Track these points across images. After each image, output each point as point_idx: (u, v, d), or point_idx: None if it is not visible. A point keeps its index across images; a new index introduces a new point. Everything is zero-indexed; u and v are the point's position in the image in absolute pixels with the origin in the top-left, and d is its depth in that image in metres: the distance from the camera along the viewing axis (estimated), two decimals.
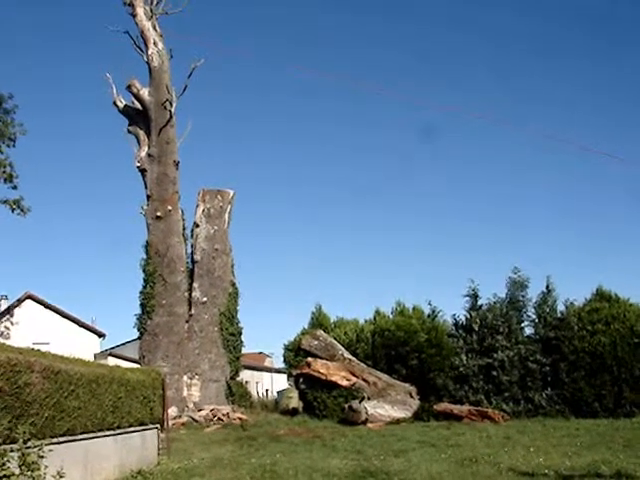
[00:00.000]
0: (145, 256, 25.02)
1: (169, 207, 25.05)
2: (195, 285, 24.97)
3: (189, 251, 25.74)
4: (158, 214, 24.86)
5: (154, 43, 25.51)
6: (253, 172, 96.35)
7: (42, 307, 45.28)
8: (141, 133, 25.91)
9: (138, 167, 25.56)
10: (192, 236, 25.78)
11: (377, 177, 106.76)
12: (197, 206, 25.92)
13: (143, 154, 25.50)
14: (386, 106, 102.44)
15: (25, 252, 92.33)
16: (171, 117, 25.39)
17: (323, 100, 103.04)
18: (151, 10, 26.08)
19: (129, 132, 26.31)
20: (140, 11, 25.71)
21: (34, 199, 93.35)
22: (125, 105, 26.32)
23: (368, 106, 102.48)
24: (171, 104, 25.39)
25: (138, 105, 25.81)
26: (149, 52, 25.43)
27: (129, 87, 25.47)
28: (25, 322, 41.65)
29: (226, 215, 25.91)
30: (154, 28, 25.82)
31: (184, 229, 25.77)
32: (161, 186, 25.19)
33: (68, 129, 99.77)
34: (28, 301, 44.98)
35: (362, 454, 14.89)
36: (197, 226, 25.61)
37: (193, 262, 25.44)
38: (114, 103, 26.45)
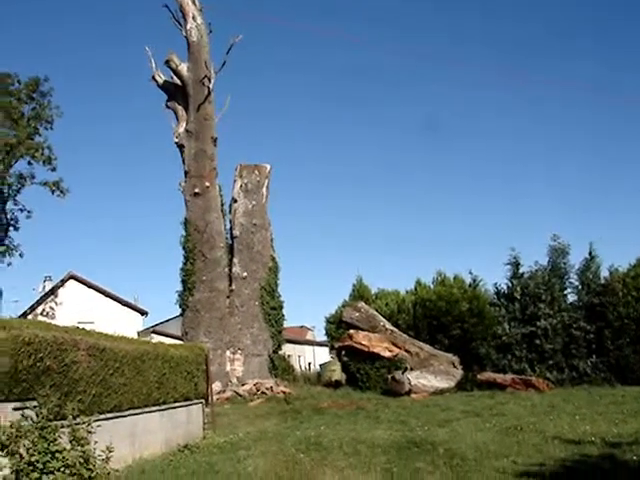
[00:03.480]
0: (184, 233, 25.15)
1: (207, 183, 25.10)
2: (235, 260, 25.07)
3: (228, 227, 25.81)
4: (196, 190, 24.93)
5: (193, 17, 25.34)
6: (291, 148, 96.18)
7: (85, 287, 45.87)
8: (179, 109, 25.93)
9: (176, 143, 25.61)
10: (230, 212, 25.85)
11: (414, 150, 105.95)
12: (234, 181, 25.95)
13: (181, 130, 25.53)
14: (419, 83, 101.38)
15: (67, 233, 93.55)
16: (209, 93, 25.33)
17: (362, 80, 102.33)
18: None
19: (167, 107, 26.32)
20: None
21: (73, 180, 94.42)
22: (164, 80, 26.27)
23: (402, 84, 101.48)
24: (209, 80, 25.29)
25: (177, 80, 25.77)
26: (188, 26, 25.28)
27: (167, 62, 25.43)
28: (69, 302, 42.25)
29: (264, 190, 25.91)
30: (193, 2, 25.59)
31: (222, 205, 25.82)
32: (199, 162, 25.23)
33: (105, 110, 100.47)
34: (71, 281, 45.59)
35: (406, 425, 14.89)
36: (235, 201, 25.65)
37: (232, 237, 25.53)
38: (153, 78, 26.46)
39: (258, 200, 25.71)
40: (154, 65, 26.43)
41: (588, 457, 10.63)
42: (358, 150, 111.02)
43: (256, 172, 25.99)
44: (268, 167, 26.37)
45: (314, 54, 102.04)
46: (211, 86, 25.33)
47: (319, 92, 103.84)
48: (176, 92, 26.00)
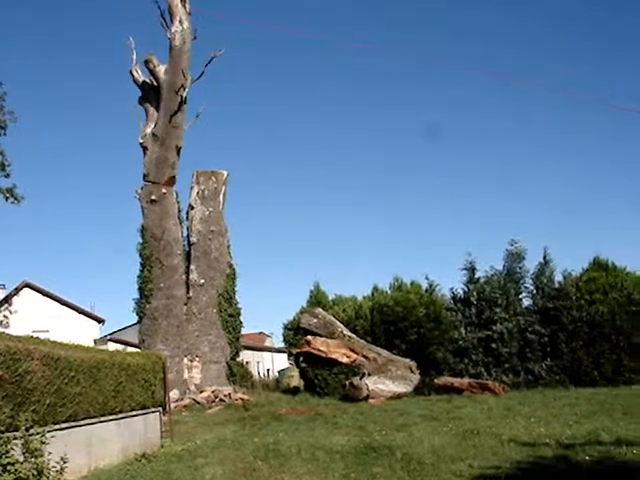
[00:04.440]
0: (141, 240, 24.93)
1: (163, 190, 24.93)
2: (192, 267, 24.93)
3: (185, 233, 25.66)
4: (153, 197, 24.75)
5: (180, 21, 25.01)
6: (248, 153, 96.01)
7: (40, 295, 45.32)
8: (151, 109, 25.65)
9: (141, 144, 25.33)
10: (187, 218, 25.69)
11: (374, 155, 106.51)
12: (191, 188, 25.81)
13: (148, 131, 25.26)
14: (382, 87, 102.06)
15: (22, 241, 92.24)
16: (182, 102, 25.15)
17: (318, 83, 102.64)
18: None
19: (140, 104, 26.06)
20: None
21: (28, 187, 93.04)
22: (142, 80, 25.97)
23: (365, 84, 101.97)
24: (184, 89, 25.08)
25: (153, 81, 25.55)
26: (173, 29, 24.96)
27: (146, 62, 25.20)
28: (24, 311, 41.60)
29: (221, 196, 25.82)
30: (183, 5, 25.29)
31: (179, 211, 25.65)
32: (159, 168, 25.03)
33: (61, 117, 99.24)
34: (26, 289, 45.00)
35: (364, 430, 14.94)
36: (192, 208, 25.52)
37: (189, 244, 25.39)
38: (130, 72, 26.10)
39: (215, 207, 25.61)
40: (135, 58, 26.10)
41: (543, 459, 10.80)
42: (314, 155, 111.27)
43: (213, 178, 25.88)
44: (225, 174, 26.27)
45: (275, 57, 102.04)
46: (184, 95, 25.13)
47: (275, 96, 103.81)
48: (150, 92, 25.71)
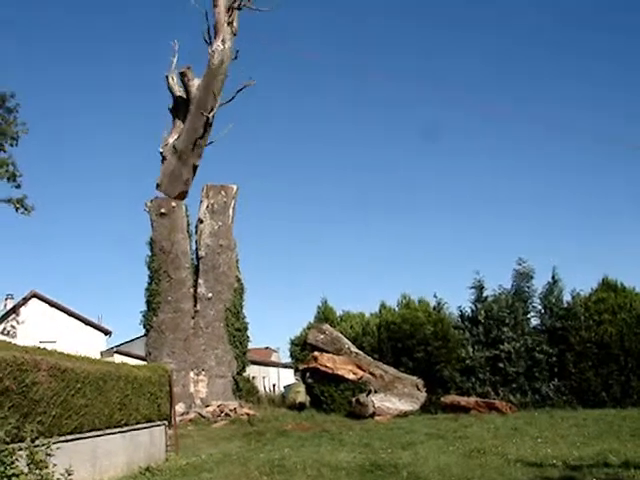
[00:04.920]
0: (150, 253, 25.00)
1: (173, 204, 25.03)
2: (200, 281, 24.94)
3: (194, 247, 25.69)
4: (162, 211, 24.82)
5: (222, 40, 25.05)
6: (257, 168, 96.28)
7: (48, 306, 45.39)
8: (178, 121, 25.82)
9: (161, 152, 25.49)
10: (196, 232, 25.72)
11: (380, 172, 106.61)
12: (201, 202, 25.85)
13: (170, 141, 25.39)
14: (386, 99, 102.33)
15: (31, 251, 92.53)
16: (207, 125, 25.26)
17: (325, 98, 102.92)
18: (239, 5, 25.70)
19: (170, 112, 26.25)
20: (222, 2, 25.32)
21: (39, 198, 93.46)
22: (176, 88, 26.07)
23: (370, 98, 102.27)
24: (212, 110, 25.08)
25: (184, 95, 25.70)
26: (214, 47, 25.00)
27: (182, 74, 25.39)
28: (31, 321, 41.74)
29: (230, 210, 25.85)
30: (230, 24, 25.33)
31: (188, 225, 25.70)
32: (172, 182, 25.19)
33: (72, 128, 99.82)
34: (34, 300, 45.09)
35: (370, 447, 14.88)
36: (201, 222, 25.54)
37: (198, 258, 25.40)
38: (166, 77, 26.16)
39: (224, 221, 25.65)
40: (175, 62, 26.15)
41: None
42: (325, 172, 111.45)
43: (222, 192, 25.93)
44: (235, 188, 26.32)
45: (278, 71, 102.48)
46: (211, 117, 25.14)
47: (287, 111, 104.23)
48: (181, 103, 25.89)
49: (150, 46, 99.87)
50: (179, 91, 25.86)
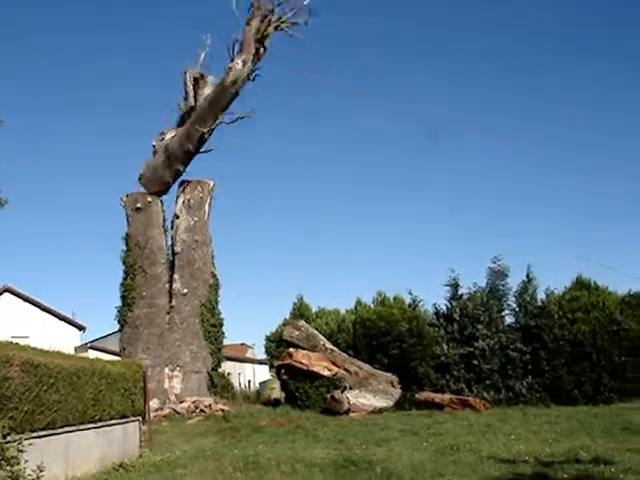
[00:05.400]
0: (125, 248, 24.88)
1: (149, 199, 24.93)
2: (176, 277, 24.84)
3: (169, 243, 25.58)
4: (138, 205, 24.72)
5: (243, 61, 23.97)
6: (233, 164, 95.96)
7: (21, 300, 44.97)
8: (180, 120, 25.81)
9: (153, 145, 25.44)
10: (172, 227, 25.61)
11: (357, 168, 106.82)
12: (177, 197, 25.73)
13: (167, 137, 25.24)
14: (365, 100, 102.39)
15: (3, 245, 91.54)
16: (201, 142, 25.01)
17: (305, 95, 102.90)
18: (275, 26, 24.26)
19: (178, 107, 25.98)
20: (255, 25, 24.03)
21: (12, 192, 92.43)
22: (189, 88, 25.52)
23: (346, 100, 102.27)
24: (209, 130, 24.67)
25: (192, 100, 25.29)
26: (232, 64, 24.04)
27: (195, 79, 25.01)
28: (3, 316, 41.30)
29: (206, 206, 25.75)
30: (258, 45, 24.12)
31: (164, 220, 25.60)
32: (152, 178, 25.11)
33: (45, 120, 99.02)
34: (6, 294, 44.66)
35: (344, 444, 14.92)
36: (177, 217, 25.43)
37: (173, 254, 25.28)
38: (185, 72, 25.51)
39: (200, 216, 25.54)
40: (202, 59, 25.52)
41: (521, 476, 10.83)
42: (301, 168, 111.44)
43: (199, 188, 25.82)
44: (211, 184, 26.22)
45: None
46: (206, 136, 24.75)
47: (264, 105, 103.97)
48: (188, 97, 25.55)
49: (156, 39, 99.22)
50: (190, 91, 25.46)
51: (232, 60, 24.18)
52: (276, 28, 24.21)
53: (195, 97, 25.10)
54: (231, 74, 24.03)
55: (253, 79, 24.75)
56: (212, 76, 25.23)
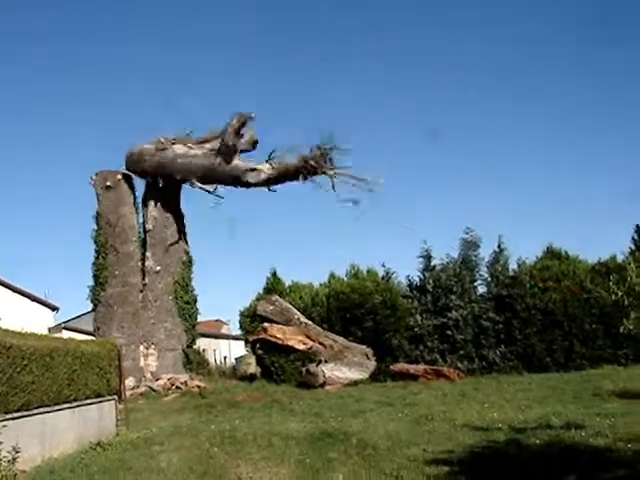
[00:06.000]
0: (96, 227, 24.68)
1: (119, 177, 24.72)
2: (148, 254, 24.71)
3: (140, 220, 25.41)
4: (108, 184, 24.51)
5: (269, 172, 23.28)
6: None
7: None
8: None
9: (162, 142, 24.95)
10: (143, 205, 25.44)
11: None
12: None
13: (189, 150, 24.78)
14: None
15: None
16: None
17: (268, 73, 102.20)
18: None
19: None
20: (235, 160, 23.61)
21: None
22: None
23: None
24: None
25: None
26: (261, 166, 23.31)
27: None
28: None
29: None
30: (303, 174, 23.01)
31: (135, 198, 25.42)
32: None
33: (15, 97, 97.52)
34: None
35: (320, 416, 15.05)
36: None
37: (145, 231, 25.14)
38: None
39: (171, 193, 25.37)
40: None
41: (495, 443, 11.02)
42: (273, 139, 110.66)
43: None
44: None
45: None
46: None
47: (231, 72, 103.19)
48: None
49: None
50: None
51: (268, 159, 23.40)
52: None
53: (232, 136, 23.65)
54: (253, 174, 23.35)
55: (268, 189, 24.04)
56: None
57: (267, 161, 23.29)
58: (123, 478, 9.97)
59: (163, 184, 24.27)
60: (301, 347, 23.21)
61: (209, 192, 23.87)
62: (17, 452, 8.97)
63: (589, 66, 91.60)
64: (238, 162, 23.62)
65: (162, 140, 24.54)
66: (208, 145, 24.05)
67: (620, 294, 11.13)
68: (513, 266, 25.58)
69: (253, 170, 23.20)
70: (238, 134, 23.37)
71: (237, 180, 23.60)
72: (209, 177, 23.81)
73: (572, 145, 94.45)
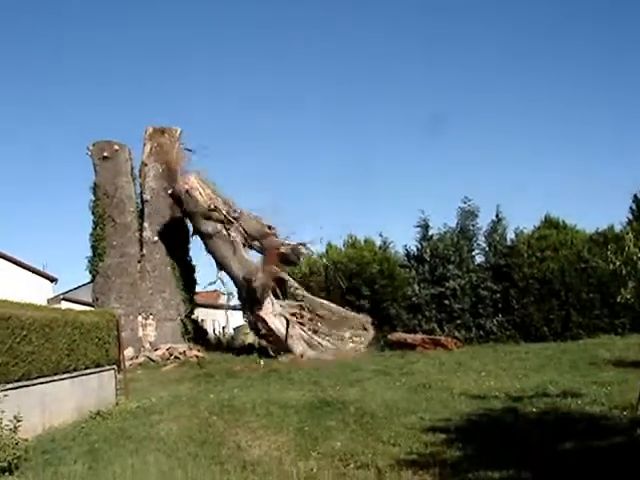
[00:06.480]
0: (93, 197, 24.62)
1: (116, 147, 24.63)
2: (146, 225, 24.69)
3: (138, 191, 25.36)
4: (105, 154, 24.41)
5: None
6: (199, 107, 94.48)
7: None
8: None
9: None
10: (140, 175, 25.37)
11: (326, 109, 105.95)
12: (144, 145, 25.43)
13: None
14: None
15: None
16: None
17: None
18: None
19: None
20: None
21: None
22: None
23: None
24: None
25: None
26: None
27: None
28: None
29: (174, 153, 25.50)
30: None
31: (132, 168, 25.35)
32: None
33: (8, 67, 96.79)
34: None
35: (318, 385, 15.13)
36: (145, 165, 25.17)
37: (143, 202, 25.11)
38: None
39: (168, 163, 25.29)
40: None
41: (492, 411, 11.11)
42: (267, 105, 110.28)
43: (166, 135, 25.53)
44: (178, 130, 25.92)
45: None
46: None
47: (227, 45, 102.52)
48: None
49: None
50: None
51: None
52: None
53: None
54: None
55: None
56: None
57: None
58: (123, 446, 10.06)
59: None
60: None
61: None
62: (19, 421, 9.03)
63: (592, 27, 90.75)
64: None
65: None
66: None
67: (618, 264, 11.13)
68: (511, 235, 25.65)
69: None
70: None
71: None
72: None
73: (571, 114, 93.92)
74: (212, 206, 22.98)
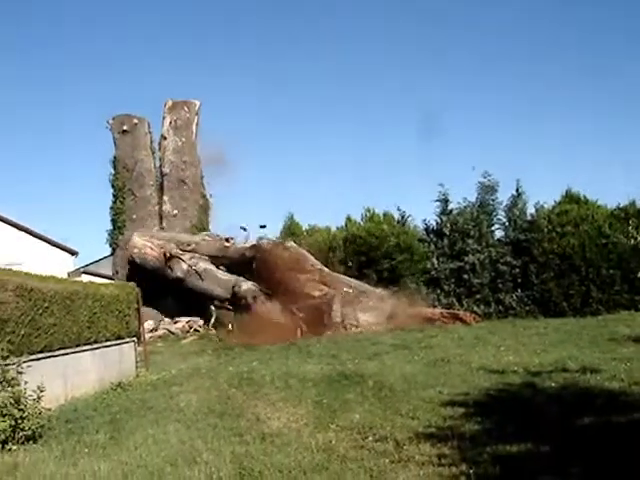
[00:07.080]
0: (113, 171, 24.77)
1: (135, 121, 24.69)
2: (165, 198, 24.80)
3: (157, 164, 25.43)
4: (125, 128, 24.52)
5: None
6: (220, 82, 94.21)
7: (12, 227, 44.77)
8: None
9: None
10: (160, 149, 25.43)
11: (347, 83, 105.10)
12: (163, 118, 25.50)
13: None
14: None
15: None
16: None
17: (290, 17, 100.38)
18: None
19: None
20: None
21: None
22: None
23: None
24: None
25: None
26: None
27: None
28: None
29: (193, 126, 25.55)
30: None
31: (151, 142, 25.41)
32: None
33: (34, 40, 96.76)
34: None
35: (337, 358, 15.17)
36: (165, 138, 25.26)
37: (162, 175, 25.18)
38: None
39: (188, 137, 25.37)
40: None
41: (510, 385, 11.08)
42: (290, 84, 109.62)
43: (185, 108, 25.57)
44: (198, 103, 25.97)
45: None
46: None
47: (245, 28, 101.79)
48: None
49: None
50: None
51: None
52: None
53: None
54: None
55: None
56: None
57: None
58: (144, 417, 10.17)
59: None
60: (317, 293, 23.27)
61: None
62: (42, 391, 9.14)
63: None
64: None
65: None
66: None
67: (639, 239, 11.05)
68: (531, 210, 25.47)
69: None
70: None
71: None
72: None
73: (591, 86, 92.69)
74: (167, 254, 22.89)
